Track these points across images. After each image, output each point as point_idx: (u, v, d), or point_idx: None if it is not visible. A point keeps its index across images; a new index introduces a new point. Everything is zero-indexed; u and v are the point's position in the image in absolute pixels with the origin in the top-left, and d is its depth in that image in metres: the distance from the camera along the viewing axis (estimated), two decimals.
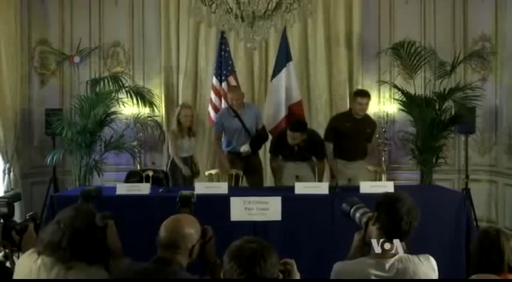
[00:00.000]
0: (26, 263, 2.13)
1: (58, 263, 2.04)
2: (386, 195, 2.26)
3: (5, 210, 2.42)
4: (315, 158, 5.10)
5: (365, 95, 5.07)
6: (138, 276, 2.00)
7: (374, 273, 2.09)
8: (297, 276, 1.89)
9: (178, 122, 5.16)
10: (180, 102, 6.47)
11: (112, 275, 2.11)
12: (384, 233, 2.14)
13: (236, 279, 1.67)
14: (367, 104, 5.04)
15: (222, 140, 5.47)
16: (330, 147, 5.09)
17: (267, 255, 1.69)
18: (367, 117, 5.29)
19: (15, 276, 2.16)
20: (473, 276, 2.08)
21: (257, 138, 5.29)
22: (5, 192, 5.81)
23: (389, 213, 2.14)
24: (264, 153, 5.75)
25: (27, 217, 2.49)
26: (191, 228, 2.09)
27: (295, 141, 4.77)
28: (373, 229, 2.20)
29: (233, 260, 1.69)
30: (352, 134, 5.00)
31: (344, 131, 5.02)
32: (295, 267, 1.88)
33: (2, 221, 2.35)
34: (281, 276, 1.82)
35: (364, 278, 2.09)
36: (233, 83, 5.93)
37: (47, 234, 2.10)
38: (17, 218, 2.55)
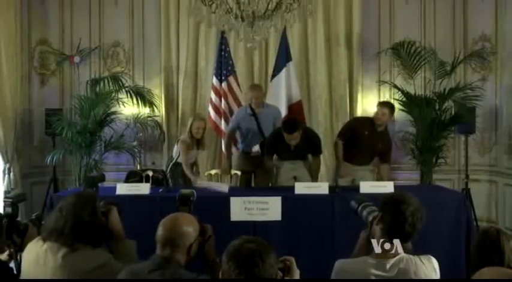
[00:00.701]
0: (33, 249, 2.23)
1: (63, 246, 2.16)
2: (392, 196, 2.25)
3: (9, 210, 2.45)
4: (311, 154, 5.01)
5: (384, 105, 5.00)
6: (136, 275, 2.01)
7: (374, 273, 2.09)
8: (297, 273, 1.89)
9: (191, 133, 5.03)
10: (180, 102, 6.50)
11: (116, 256, 2.23)
12: (387, 234, 2.14)
13: (235, 279, 1.66)
14: (385, 115, 4.89)
15: (238, 138, 5.46)
16: (340, 144, 5.03)
17: (266, 255, 1.68)
18: (386, 134, 5.13)
19: (23, 265, 2.25)
20: (484, 270, 2.02)
21: None
22: (5, 192, 5.82)
23: (393, 214, 2.13)
24: None
25: (33, 217, 2.53)
26: (189, 227, 2.10)
27: (295, 141, 4.68)
28: (376, 229, 2.20)
29: (231, 260, 1.68)
30: (366, 143, 4.94)
31: (359, 137, 4.96)
32: (294, 264, 1.88)
33: (6, 220, 2.36)
34: (280, 274, 1.82)
35: (365, 278, 2.09)
36: (233, 83, 5.93)
37: (51, 222, 2.22)
38: None
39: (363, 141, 4.96)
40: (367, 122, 5.09)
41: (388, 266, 2.09)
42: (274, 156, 5.03)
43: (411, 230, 2.12)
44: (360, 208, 2.46)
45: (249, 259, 1.67)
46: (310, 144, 4.89)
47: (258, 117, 5.18)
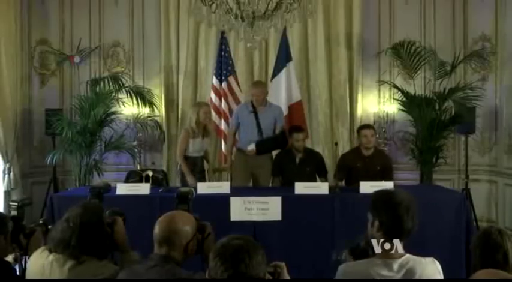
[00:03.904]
0: (38, 260, 2.21)
1: (70, 258, 2.14)
2: (380, 193, 2.18)
3: (15, 213, 2.47)
4: (318, 176, 5.03)
5: (368, 127, 5.08)
6: (134, 274, 2.01)
7: (381, 273, 2.02)
8: (287, 278, 1.84)
9: (199, 120, 4.94)
10: (180, 102, 6.50)
11: (121, 268, 2.20)
12: (385, 233, 2.07)
13: (230, 279, 1.61)
14: (373, 136, 4.95)
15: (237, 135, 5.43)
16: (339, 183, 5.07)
17: (253, 252, 1.62)
18: (378, 153, 5.15)
19: (28, 276, 2.24)
20: (479, 272, 1.95)
21: (270, 141, 5.12)
22: (5, 192, 5.83)
23: (388, 211, 2.07)
24: None
25: (41, 222, 2.56)
26: (185, 225, 2.10)
27: (302, 143, 4.93)
28: (373, 230, 2.12)
29: (217, 256, 1.63)
30: (363, 174, 4.78)
31: (354, 171, 4.94)
32: (285, 269, 1.83)
33: (12, 223, 2.37)
34: (270, 277, 1.77)
35: (371, 278, 2.03)
36: (233, 83, 5.92)
37: (57, 233, 2.21)
38: None
39: (360, 174, 4.83)
40: (354, 153, 5.10)
41: (395, 266, 2.02)
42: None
43: (411, 224, 2.06)
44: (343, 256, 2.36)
45: (235, 255, 1.61)
46: (315, 159, 5.03)
47: (259, 115, 5.10)
